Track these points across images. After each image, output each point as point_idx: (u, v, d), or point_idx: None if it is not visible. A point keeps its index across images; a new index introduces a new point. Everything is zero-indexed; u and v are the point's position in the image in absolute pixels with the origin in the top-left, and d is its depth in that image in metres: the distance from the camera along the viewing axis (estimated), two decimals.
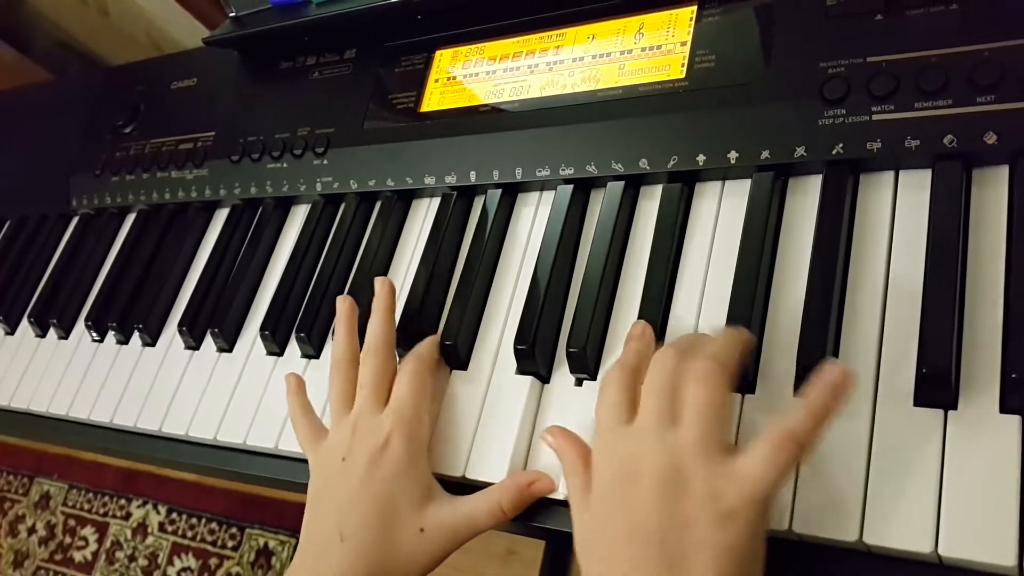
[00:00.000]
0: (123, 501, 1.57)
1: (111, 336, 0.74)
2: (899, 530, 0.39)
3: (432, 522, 0.49)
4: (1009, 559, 0.37)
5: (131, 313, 0.73)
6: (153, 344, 0.71)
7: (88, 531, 1.57)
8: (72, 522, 1.59)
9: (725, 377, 0.41)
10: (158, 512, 1.52)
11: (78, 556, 1.55)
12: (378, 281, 0.57)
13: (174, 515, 1.50)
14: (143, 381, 0.69)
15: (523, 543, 1.09)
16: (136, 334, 0.72)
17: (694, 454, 0.39)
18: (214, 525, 1.42)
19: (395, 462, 0.50)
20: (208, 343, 0.67)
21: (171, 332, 0.70)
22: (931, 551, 0.38)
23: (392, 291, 0.57)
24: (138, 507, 1.55)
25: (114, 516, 1.57)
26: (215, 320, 0.66)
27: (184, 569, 1.42)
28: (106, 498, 1.58)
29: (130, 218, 0.82)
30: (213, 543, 1.42)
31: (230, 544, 1.40)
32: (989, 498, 0.38)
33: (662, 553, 0.38)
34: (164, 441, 0.66)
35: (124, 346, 0.73)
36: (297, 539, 1.34)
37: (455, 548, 0.50)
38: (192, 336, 0.68)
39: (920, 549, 0.38)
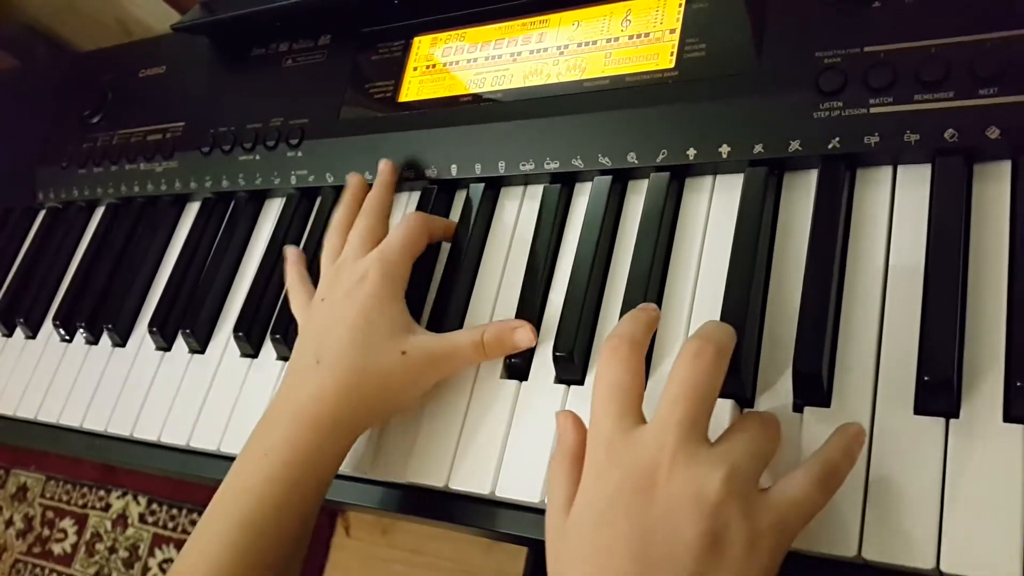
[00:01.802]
0: (102, 492, 1.55)
1: (80, 336, 0.71)
2: (900, 545, 0.38)
3: (413, 346, 0.49)
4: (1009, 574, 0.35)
5: (100, 312, 0.71)
6: (123, 345, 0.69)
7: (67, 523, 1.55)
8: (50, 514, 1.57)
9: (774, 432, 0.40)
10: (138, 503, 1.50)
11: (57, 548, 1.53)
12: (382, 162, 0.59)
13: (154, 506, 1.48)
14: (114, 383, 0.67)
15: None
16: (106, 334, 0.69)
17: (730, 472, 0.36)
18: (195, 516, 1.40)
19: (371, 293, 0.50)
20: (180, 344, 0.65)
21: (142, 332, 0.68)
22: (933, 567, 0.37)
23: (394, 170, 0.59)
24: (118, 498, 1.53)
25: (93, 508, 1.55)
26: (186, 320, 0.64)
27: (166, 560, 1.40)
28: (85, 489, 1.56)
29: (99, 212, 0.79)
30: None
31: None
32: (992, 511, 0.37)
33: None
34: (138, 445, 0.64)
35: (94, 346, 0.70)
36: None
37: (435, 376, 0.50)
38: (163, 337, 0.65)
39: (922, 565, 0.37)
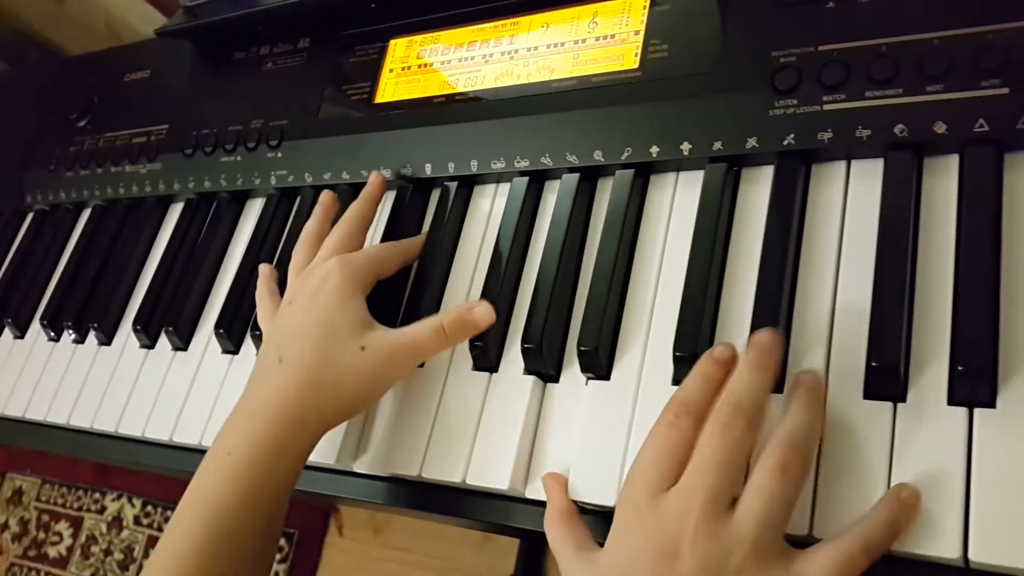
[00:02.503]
0: (97, 495, 1.55)
1: (67, 335, 0.73)
2: (850, 524, 0.39)
3: (373, 341, 0.50)
4: (954, 552, 0.37)
5: (87, 311, 0.72)
6: (109, 343, 0.70)
7: (62, 526, 1.56)
8: (46, 517, 1.58)
9: (807, 476, 0.39)
10: (133, 505, 1.51)
11: (52, 552, 1.53)
12: (373, 175, 0.60)
13: (149, 508, 1.49)
14: (99, 381, 0.68)
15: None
16: (92, 333, 0.71)
17: (748, 553, 0.36)
18: None
19: (333, 292, 0.51)
20: (163, 342, 0.66)
21: (127, 331, 0.69)
22: None
23: (383, 184, 0.60)
24: (113, 500, 1.54)
25: (88, 510, 1.55)
26: (169, 318, 0.65)
27: None
28: (80, 492, 1.57)
29: (85, 214, 0.80)
30: None
31: None
32: (937, 490, 0.38)
33: None
34: (124, 442, 0.65)
35: (80, 345, 0.72)
36: None
37: (396, 370, 0.51)
38: (147, 335, 0.67)
39: None
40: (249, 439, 0.47)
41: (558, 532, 0.44)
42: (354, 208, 0.58)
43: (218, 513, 0.46)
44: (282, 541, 1.34)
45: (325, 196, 0.61)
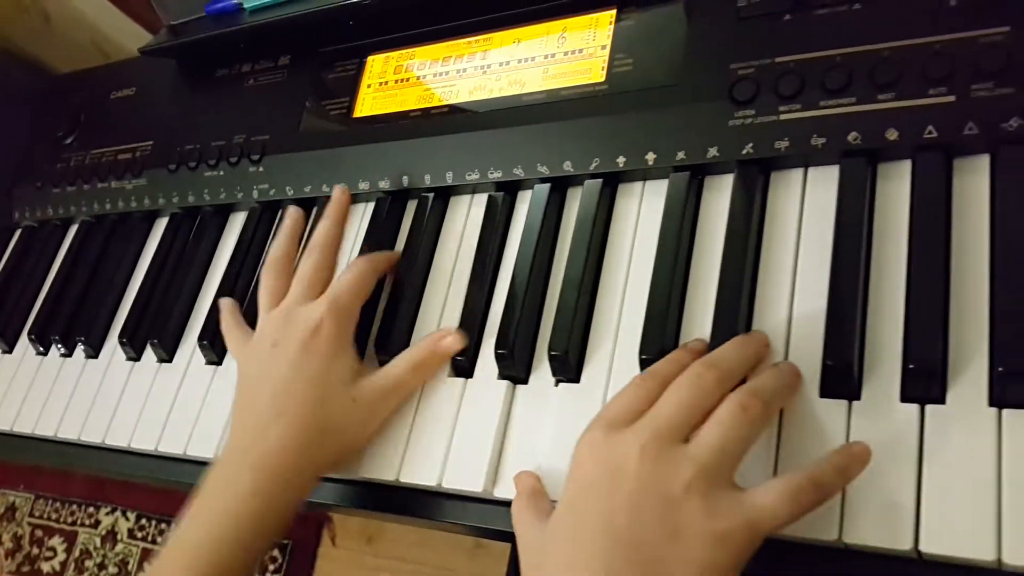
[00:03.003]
0: (91, 509, 1.56)
1: (55, 349, 0.74)
2: (807, 520, 0.40)
3: (362, 392, 0.52)
4: (906, 544, 0.38)
5: (74, 325, 0.73)
6: (96, 356, 0.71)
7: (56, 541, 1.56)
8: (39, 532, 1.58)
9: (765, 421, 0.40)
10: (127, 519, 1.52)
11: (46, 567, 1.54)
12: (337, 189, 0.61)
13: (143, 521, 1.50)
14: (87, 393, 0.69)
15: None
16: (79, 346, 0.72)
17: (696, 473, 0.38)
18: None
19: (327, 345, 0.52)
20: (149, 354, 0.68)
21: (113, 343, 0.70)
22: (836, 538, 0.40)
23: (348, 198, 0.61)
24: (107, 514, 1.54)
25: (82, 524, 1.56)
26: (154, 331, 0.67)
27: None
28: (74, 506, 1.57)
29: (73, 229, 0.82)
30: None
31: None
32: (889, 484, 0.40)
33: (641, 562, 0.37)
34: (112, 453, 0.66)
35: (68, 359, 0.73)
36: None
37: (385, 412, 0.53)
38: (132, 347, 0.68)
39: (825, 537, 0.40)
40: (253, 496, 0.49)
41: (519, 505, 0.45)
42: (323, 231, 0.58)
43: (220, 554, 0.48)
44: (275, 552, 1.35)
45: (292, 213, 0.61)
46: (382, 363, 0.55)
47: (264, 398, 0.52)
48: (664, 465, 0.38)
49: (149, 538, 1.48)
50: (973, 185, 0.44)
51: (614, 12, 0.57)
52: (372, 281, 0.56)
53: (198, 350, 0.64)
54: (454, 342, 0.52)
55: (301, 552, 1.35)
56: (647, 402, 0.42)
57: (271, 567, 1.35)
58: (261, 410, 0.51)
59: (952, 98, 0.44)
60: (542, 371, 0.51)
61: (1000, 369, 0.39)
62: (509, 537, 0.49)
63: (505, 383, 0.52)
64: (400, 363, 0.53)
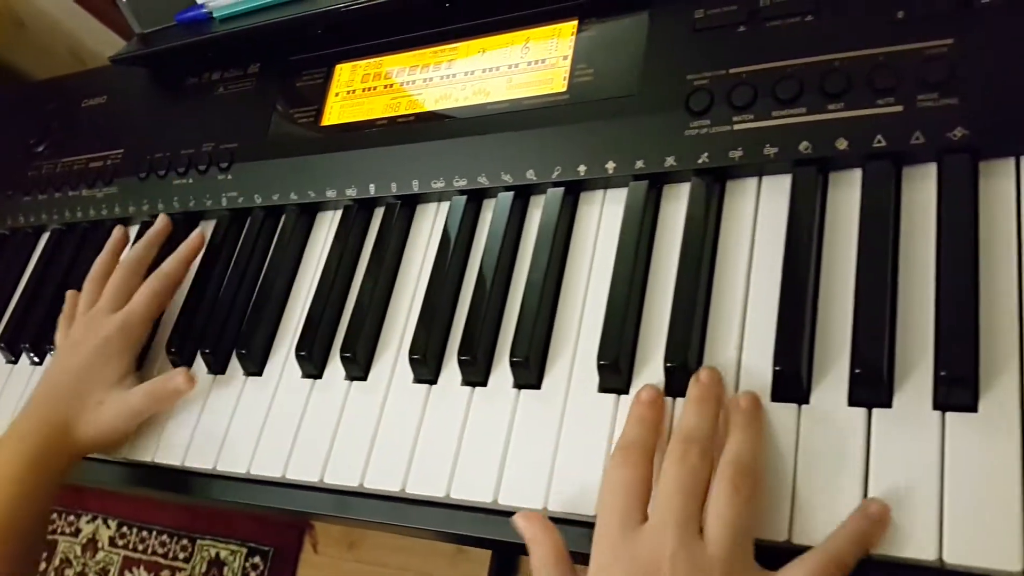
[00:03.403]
0: (72, 517, 1.55)
1: (25, 357, 0.74)
2: (761, 520, 0.41)
3: (113, 398, 0.61)
4: None
5: (45, 333, 0.73)
6: None
7: None
8: None
9: (757, 490, 0.41)
10: (108, 527, 1.51)
11: None
12: (161, 216, 0.70)
13: (124, 529, 1.49)
14: None
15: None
16: (50, 355, 0.72)
17: (724, 571, 0.39)
18: (165, 537, 1.42)
19: (102, 348, 0.62)
20: None
21: None
22: (785, 539, 0.41)
23: (168, 226, 0.70)
24: (88, 522, 1.53)
25: (63, 533, 1.55)
26: None
27: None
28: (55, 515, 1.57)
29: (44, 237, 0.82)
30: (164, 555, 1.41)
31: (181, 556, 1.40)
32: (837, 486, 0.41)
33: None
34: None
35: (39, 367, 0.73)
36: (248, 548, 1.34)
37: (125, 426, 0.61)
38: None
39: (775, 538, 0.41)
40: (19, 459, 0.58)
41: (541, 565, 0.44)
42: (134, 252, 0.67)
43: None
44: (257, 559, 1.35)
45: (116, 232, 0.71)
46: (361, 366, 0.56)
47: (57, 379, 0.62)
48: (696, 570, 0.39)
49: (131, 546, 1.47)
50: (921, 193, 0.45)
51: (576, 23, 0.58)
52: (166, 295, 0.66)
53: (164, 357, 0.65)
54: (182, 382, 0.60)
55: (282, 559, 1.35)
56: (643, 482, 0.43)
57: (252, 574, 1.35)
58: (49, 384, 0.62)
59: (900, 108, 0.45)
60: (502, 374, 0.52)
61: (942, 374, 0.40)
62: (477, 542, 0.50)
63: (468, 389, 0.52)
64: (141, 390, 0.61)
